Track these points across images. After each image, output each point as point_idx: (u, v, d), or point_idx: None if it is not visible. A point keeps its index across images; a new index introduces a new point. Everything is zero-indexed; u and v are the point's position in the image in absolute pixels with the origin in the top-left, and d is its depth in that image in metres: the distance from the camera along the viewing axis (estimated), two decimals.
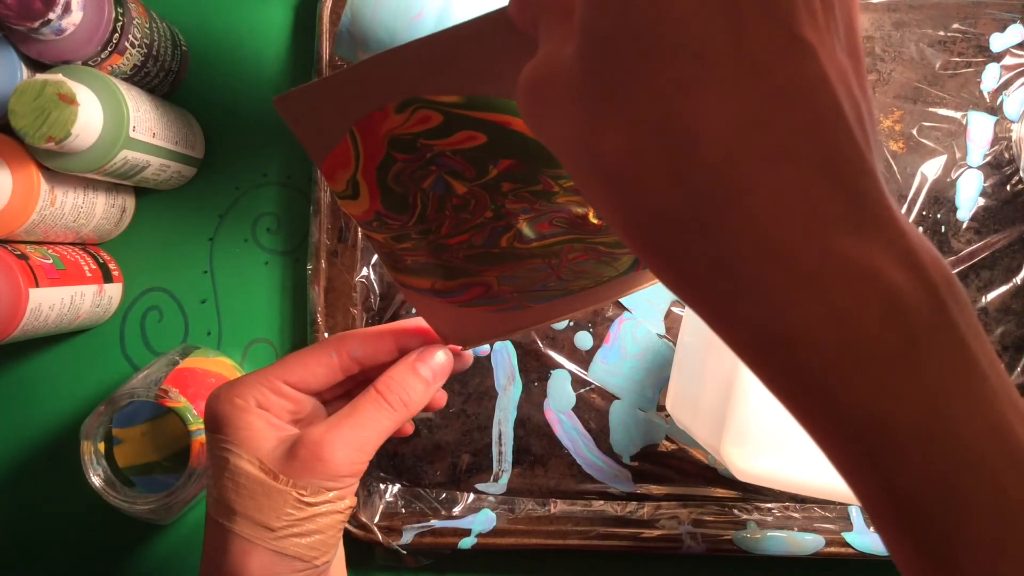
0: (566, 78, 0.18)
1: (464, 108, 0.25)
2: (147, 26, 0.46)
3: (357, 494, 0.48)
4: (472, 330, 0.34)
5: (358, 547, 0.49)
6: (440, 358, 0.34)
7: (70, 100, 0.39)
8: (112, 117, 0.41)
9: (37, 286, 0.43)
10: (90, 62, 0.43)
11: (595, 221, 0.30)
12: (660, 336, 0.50)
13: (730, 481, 0.49)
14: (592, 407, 0.50)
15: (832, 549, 0.47)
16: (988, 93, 0.49)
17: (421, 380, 0.33)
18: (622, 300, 0.50)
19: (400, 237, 0.30)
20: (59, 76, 0.39)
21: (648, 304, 0.50)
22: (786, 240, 0.15)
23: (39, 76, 0.39)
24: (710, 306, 0.17)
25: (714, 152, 0.15)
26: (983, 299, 0.49)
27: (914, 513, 0.16)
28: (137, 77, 0.47)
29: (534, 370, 0.50)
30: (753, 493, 0.49)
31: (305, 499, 0.30)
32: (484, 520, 0.49)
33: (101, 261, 0.50)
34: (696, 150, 0.15)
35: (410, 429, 0.37)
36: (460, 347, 0.35)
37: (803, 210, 0.15)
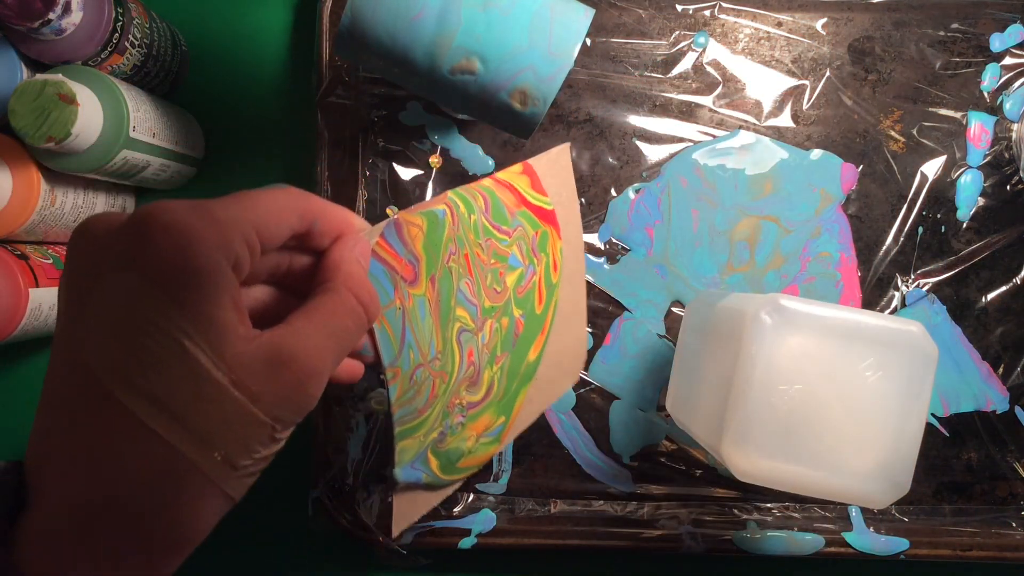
0: None
1: None
2: (147, 26, 0.46)
3: (357, 494, 0.49)
4: None
5: (358, 547, 0.49)
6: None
7: (70, 100, 0.39)
8: (112, 117, 0.41)
9: (37, 286, 0.43)
10: (90, 62, 0.43)
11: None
12: (660, 336, 0.50)
13: (730, 481, 0.49)
14: (592, 407, 0.50)
15: (832, 549, 0.47)
16: (988, 93, 0.49)
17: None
18: (621, 300, 0.50)
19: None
20: (59, 76, 0.39)
21: (648, 304, 0.50)
22: None
23: (39, 76, 0.39)
24: None
25: None
26: (983, 299, 0.49)
27: None
28: (137, 77, 0.47)
29: None
30: (753, 493, 0.49)
31: (277, 435, 0.23)
32: (484, 520, 0.49)
33: None
34: None
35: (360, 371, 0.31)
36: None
37: None
